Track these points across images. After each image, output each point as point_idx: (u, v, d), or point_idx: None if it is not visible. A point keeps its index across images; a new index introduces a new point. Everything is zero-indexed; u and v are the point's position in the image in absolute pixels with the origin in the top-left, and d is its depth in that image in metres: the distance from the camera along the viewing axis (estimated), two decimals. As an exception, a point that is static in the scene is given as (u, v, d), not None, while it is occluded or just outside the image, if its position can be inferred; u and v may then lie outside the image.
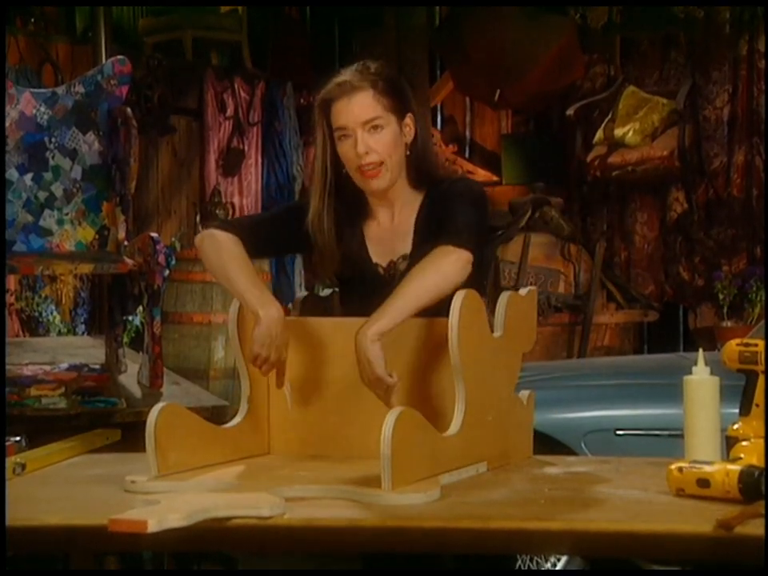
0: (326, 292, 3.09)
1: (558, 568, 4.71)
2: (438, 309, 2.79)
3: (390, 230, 2.99)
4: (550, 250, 8.26)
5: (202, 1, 8.51)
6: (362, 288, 2.97)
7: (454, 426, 2.64)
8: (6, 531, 2.30)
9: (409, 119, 2.95)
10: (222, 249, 2.89)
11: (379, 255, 2.98)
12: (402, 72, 2.82)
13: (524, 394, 2.91)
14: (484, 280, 2.97)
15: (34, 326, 7.30)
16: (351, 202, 2.97)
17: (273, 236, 3.01)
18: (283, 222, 3.03)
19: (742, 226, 8.49)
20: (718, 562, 2.29)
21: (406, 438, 2.46)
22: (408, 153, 2.95)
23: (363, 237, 2.99)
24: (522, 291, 2.89)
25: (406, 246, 2.97)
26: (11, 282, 7.13)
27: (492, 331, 2.77)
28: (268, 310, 2.77)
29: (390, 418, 2.44)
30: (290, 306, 3.07)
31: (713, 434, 2.61)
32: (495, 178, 9.37)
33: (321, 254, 2.97)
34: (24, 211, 4.49)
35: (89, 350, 5.14)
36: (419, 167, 2.98)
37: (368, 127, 2.88)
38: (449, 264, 2.75)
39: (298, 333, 2.89)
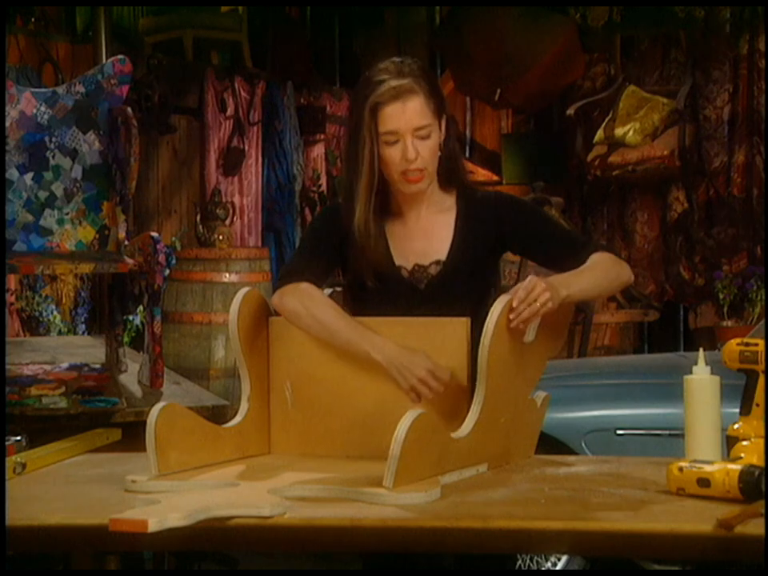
0: (327, 292, 3.08)
1: (558, 568, 4.71)
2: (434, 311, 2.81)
3: (415, 229, 2.97)
4: (551, 250, 8.25)
5: (202, 0, 8.51)
6: (381, 290, 2.93)
7: (465, 428, 2.63)
8: (6, 531, 2.30)
9: (443, 120, 2.93)
10: (306, 302, 2.83)
11: (402, 257, 2.95)
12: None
13: (540, 395, 2.89)
14: (496, 285, 3.00)
15: (34, 325, 7.30)
16: (378, 201, 2.94)
17: (330, 257, 2.95)
18: (328, 237, 2.96)
19: (742, 226, 8.49)
20: (718, 562, 2.28)
21: (418, 440, 2.45)
22: (440, 153, 2.94)
23: (385, 236, 2.96)
24: None
25: (439, 251, 2.94)
26: (11, 281, 7.12)
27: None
28: (382, 351, 2.75)
29: (407, 420, 2.43)
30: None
31: (713, 434, 2.61)
32: (496, 178, 9.37)
33: (366, 258, 2.91)
34: (24, 211, 4.49)
35: (89, 350, 5.15)
36: (449, 167, 2.97)
37: (418, 134, 2.85)
38: (626, 270, 2.89)
39: (298, 331, 2.88)
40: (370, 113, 2.85)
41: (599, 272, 2.83)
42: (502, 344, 2.66)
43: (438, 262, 2.95)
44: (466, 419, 2.65)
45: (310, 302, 2.84)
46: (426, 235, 2.96)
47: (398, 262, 2.95)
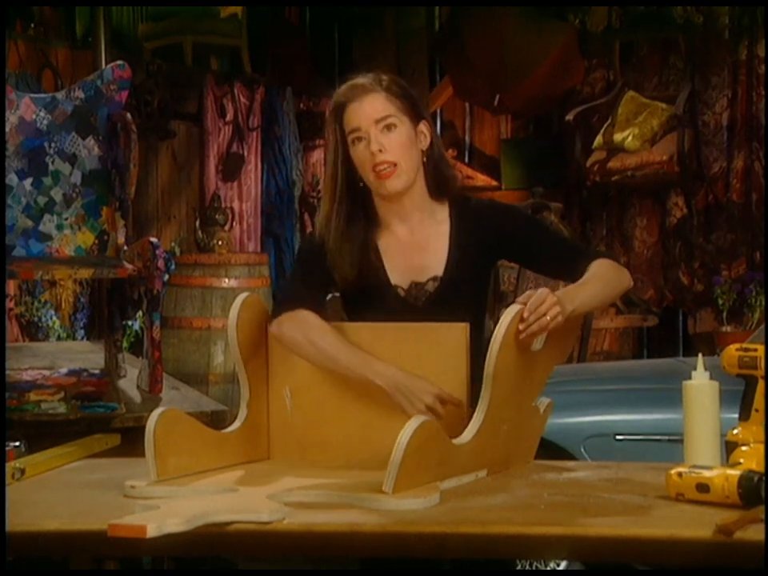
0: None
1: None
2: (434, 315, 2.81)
3: (409, 244, 2.93)
4: (550, 255, 8.24)
5: (202, 1, 8.50)
6: (380, 312, 2.89)
7: (467, 435, 2.62)
8: (5, 536, 2.30)
9: (424, 126, 2.92)
10: (305, 329, 2.83)
11: (398, 275, 2.91)
12: (402, 77, 2.86)
13: (543, 401, 2.88)
14: (495, 288, 2.99)
15: (33, 330, 7.29)
16: (364, 214, 2.92)
17: (323, 279, 2.93)
18: (319, 259, 2.92)
19: (741, 231, 8.50)
20: (717, 567, 2.28)
21: (420, 447, 2.45)
22: (425, 160, 2.92)
23: (379, 254, 2.92)
24: None
25: (436, 267, 2.91)
26: (11, 286, 7.12)
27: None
28: (384, 377, 2.74)
29: (410, 427, 2.43)
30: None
31: (712, 439, 2.61)
32: (494, 183, 9.37)
33: (332, 259, 2.90)
34: (24, 216, 4.50)
35: (88, 355, 5.14)
36: (437, 176, 2.94)
37: (381, 126, 2.85)
38: (626, 275, 2.88)
39: (298, 338, 2.89)
40: (333, 115, 2.89)
41: (601, 282, 2.81)
42: (510, 353, 2.65)
43: (435, 279, 2.91)
44: (469, 426, 2.64)
45: (308, 330, 2.82)
46: (421, 250, 2.93)
47: (393, 280, 2.92)
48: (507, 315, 2.63)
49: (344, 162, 2.89)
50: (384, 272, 2.91)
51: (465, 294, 2.90)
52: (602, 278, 2.82)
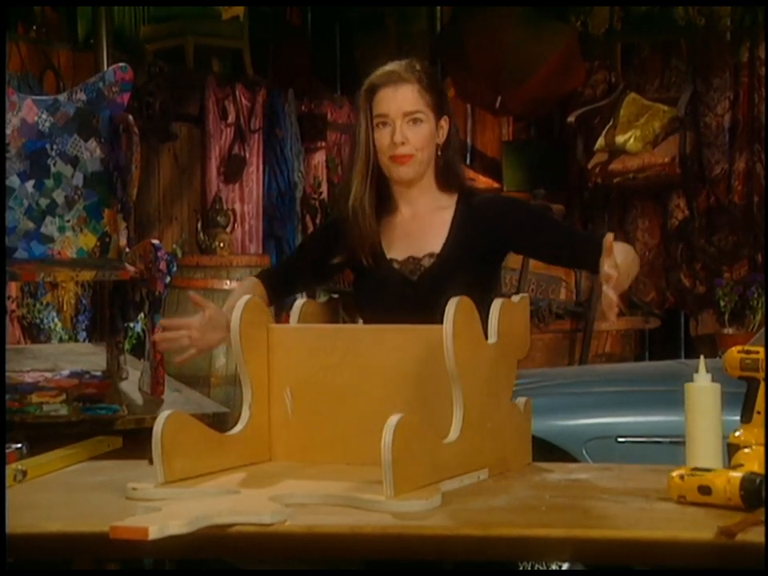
0: (325, 298, 3.10)
1: (559, 575, 4.70)
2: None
3: (412, 224, 3.01)
4: (552, 257, 8.24)
5: (204, 1, 8.50)
6: (375, 283, 2.99)
7: (454, 433, 2.64)
8: (6, 538, 2.30)
9: (444, 121, 3.00)
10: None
11: (395, 250, 3.00)
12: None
13: (521, 400, 2.91)
14: (496, 291, 3.01)
15: (35, 332, 7.30)
16: (377, 195, 3.01)
17: (308, 258, 3.11)
18: (316, 242, 3.18)
19: (743, 233, 8.50)
20: (719, 569, 2.28)
21: (407, 444, 2.46)
22: (439, 153, 3.00)
23: (378, 230, 3.01)
24: (515, 298, 2.89)
25: (434, 245, 2.98)
26: (12, 288, 7.13)
27: (486, 338, 2.77)
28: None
29: (390, 424, 2.44)
30: (289, 312, 3.07)
31: (714, 441, 2.61)
32: (496, 185, 9.37)
33: (361, 237, 2.98)
34: (25, 218, 4.50)
35: (90, 357, 5.15)
36: (448, 170, 3.02)
37: (408, 119, 2.93)
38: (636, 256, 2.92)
39: (298, 339, 2.89)
40: (365, 95, 2.97)
41: (629, 262, 2.84)
42: (465, 345, 2.65)
43: (431, 255, 2.98)
44: (452, 425, 2.65)
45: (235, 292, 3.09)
46: (422, 230, 3.01)
47: (389, 254, 3.00)
48: (450, 308, 2.63)
49: (373, 143, 2.97)
50: (380, 247, 3.00)
51: (460, 276, 2.92)
52: (629, 259, 2.85)
